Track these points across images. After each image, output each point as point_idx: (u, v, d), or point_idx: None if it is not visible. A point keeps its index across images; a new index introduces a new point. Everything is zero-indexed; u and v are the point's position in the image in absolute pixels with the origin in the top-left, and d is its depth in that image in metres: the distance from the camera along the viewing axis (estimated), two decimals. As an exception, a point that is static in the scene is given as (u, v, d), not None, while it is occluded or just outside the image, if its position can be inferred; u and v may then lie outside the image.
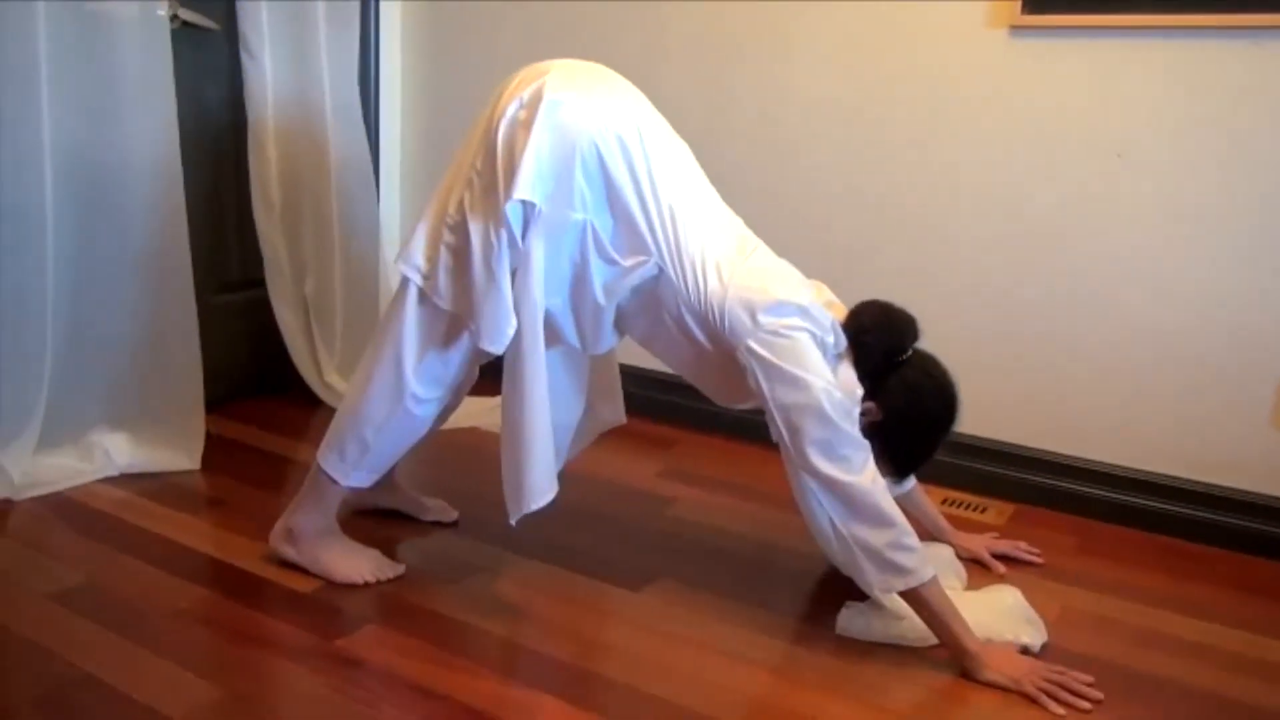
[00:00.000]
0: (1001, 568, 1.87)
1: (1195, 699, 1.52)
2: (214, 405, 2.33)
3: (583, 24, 2.56)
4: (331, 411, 2.48)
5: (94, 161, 2.03)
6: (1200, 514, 2.05)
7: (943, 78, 2.17)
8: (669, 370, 1.71)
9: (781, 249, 1.66)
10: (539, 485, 1.54)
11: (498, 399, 2.47)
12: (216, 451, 2.21)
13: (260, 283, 2.51)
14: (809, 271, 1.66)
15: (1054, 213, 2.11)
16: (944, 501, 2.17)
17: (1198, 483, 2.06)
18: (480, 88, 2.69)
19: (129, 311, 2.11)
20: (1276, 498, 1.99)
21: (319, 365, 2.59)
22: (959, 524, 1.98)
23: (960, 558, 1.86)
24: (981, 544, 1.92)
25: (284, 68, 2.42)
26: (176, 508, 1.96)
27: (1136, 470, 2.11)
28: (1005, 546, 1.93)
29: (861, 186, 2.30)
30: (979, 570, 1.86)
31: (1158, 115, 1.99)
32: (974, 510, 2.17)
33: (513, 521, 1.56)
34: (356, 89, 2.56)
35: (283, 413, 2.54)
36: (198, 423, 2.19)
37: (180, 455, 2.15)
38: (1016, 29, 2.08)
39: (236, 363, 2.57)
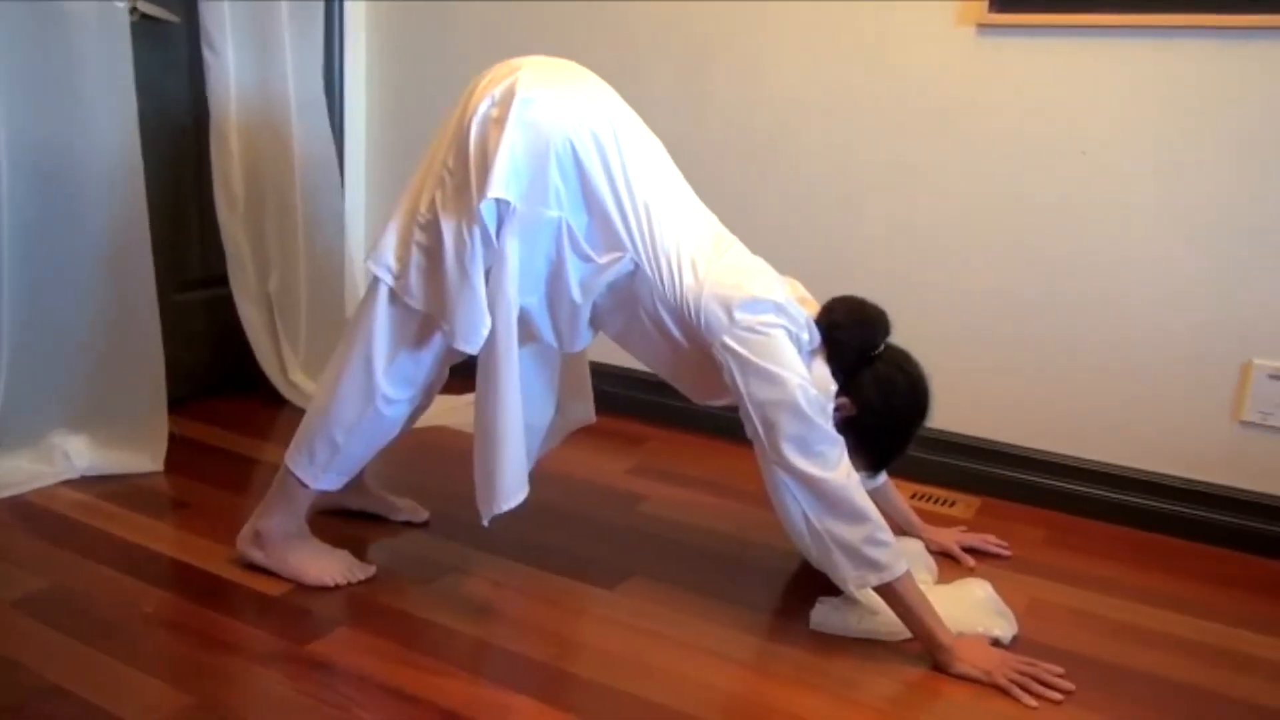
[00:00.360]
0: (971, 561, 1.89)
1: (1167, 690, 1.54)
2: (176, 405, 2.30)
3: (551, 20, 2.55)
4: (297, 411, 2.50)
5: (52, 158, 1.98)
6: (1165, 507, 2.09)
7: (911, 76, 2.19)
8: (638, 367, 1.71)
9: (753, 247, 1.67)
10: (511, 486, 1.53)
11: (467, 397, 2.47)
12: (180, 452, 2.17)
13: (223, 280, 2.47)
14: (780, 269, 1.67)
15: (1021, 211, 2.14)
16: (913, 496, 2.19)
17: (1163, 475, 2.10)
18: (447, 83, 2.68)
19: (89, 310, 2.07)
20: (1240, 490, 2.03)
21: (283, 363, 2.55)
22: (927, 518, 2.00)
23: (930, 551, 1.88)
24: (951, 537, 1.94)
25: (247, 62, 2.38)
26: (140, 511, 1.93)
27: (1103, 464, 2.15)
28: (974, 540, 1.95)
29: (830, 185, 2.31)
30: (949, 563, 1.88)
31: (1126, 113, 2.02)
32: (942, 504, 2.19)
33: (485, 522, 1.55)
34: (321, 83, 2.53)
35: (247, 412, 2.50)
36: (160, 423, 2.15)
37: (142, 457, 2.11)
38: (984, 27, 2.10)
39: (199, 361, 2.53)
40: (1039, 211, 2.12)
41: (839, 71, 2.26)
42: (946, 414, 2.21)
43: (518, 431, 1.53)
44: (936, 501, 2.20)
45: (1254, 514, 2.01)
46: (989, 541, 1.95)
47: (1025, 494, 2.20)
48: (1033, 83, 2.08)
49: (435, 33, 2.73)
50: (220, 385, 2.60)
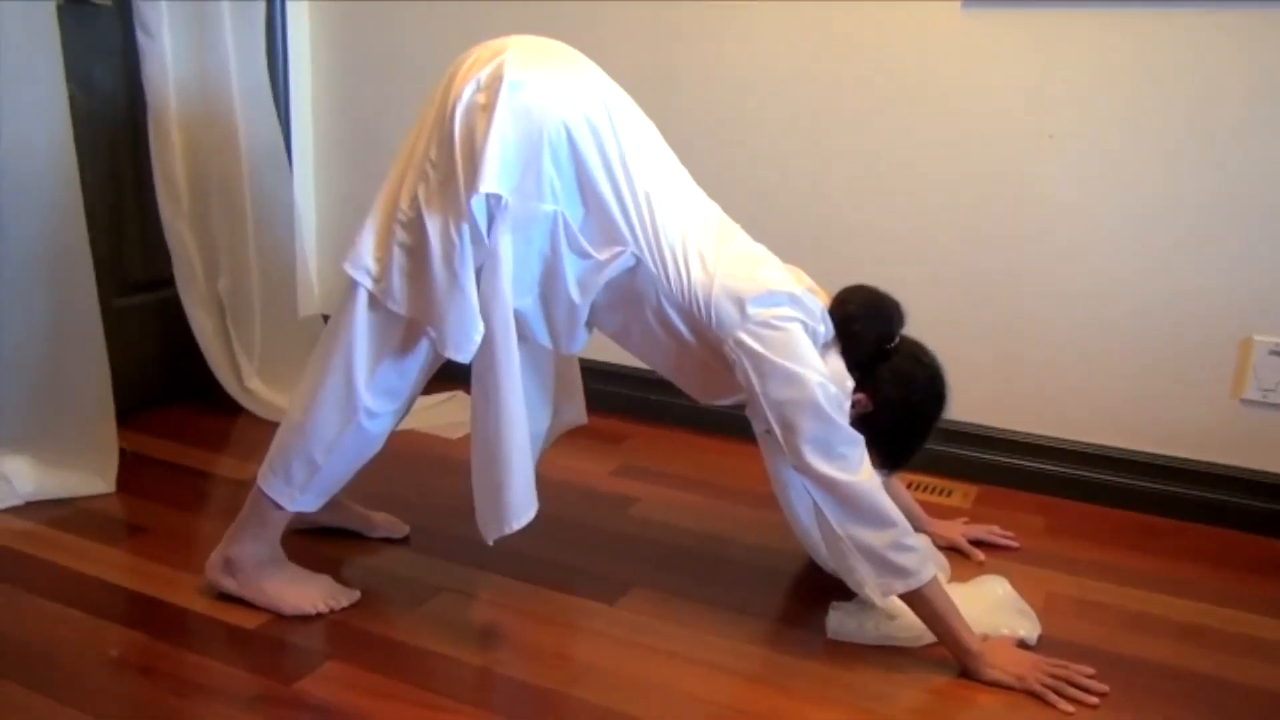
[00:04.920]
0: (980, 555, 1.83)
1: (1186, 681, 1.49)
2: (125, 418, 2.14)
3: (510, 3, 2.41)
4: (254, 419, 2.35)
5: (-25, 155, 1.81)
6: (1166, 488, 2.05)
7: (894, 50, 2.10)
8: (612, 360, 1.60)
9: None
10: (520, 502, 1.42)
11: (439, 397, 2.37)
12: (131, 470, 2.01)
13: (169, 282, 2.30)
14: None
15: (1010, 188, 2.07)
16: (908, 486, 2.12)
17: (1161, 456, 2.06)
18: (401, 64, 2.53)
19: (24, 321, 1.89)
20: (1243, 469, 2.00)
21: (238, 369, 2.39)
22: (926, 509, 1.93)
23: (937, 546, 1.81)
24: (956, 530, 1.87)
25: (185, 46, 2.21)
26: (93, 538, 1.77)
27: (1101, 446, 2.10)
28: (979, 532, 1.89)
29: (812, 163, 2.22)
30: (958, 559, 1.82)
31: (1120, 84, 1.96)
32: (940, 494, 2.13)
33: (490, 542, 1.44)
34: (264, 67, 2.37)
35: (201, 422, 2.34)
36: (109, 439, 1.99)
37: (92, 477, 1.95)
38: (969, 1, 2.02)
39: (147, 370, 2.37)
40: (1025, 189, 2.06)
41: (819, 46, 2.16)
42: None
43: (523, 444, 1.42)
44: (933, 491, 2.14)
45: (1258, 494, 1.98)
46: (994, 533, 1.89)
47: (1023, 480, 2.15)
48: (1019, 56, 2.01)
49: (385, 12, 2.57)
50: (171, 395, 2.43)
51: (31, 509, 1.86)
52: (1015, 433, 2.16)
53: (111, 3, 2.12)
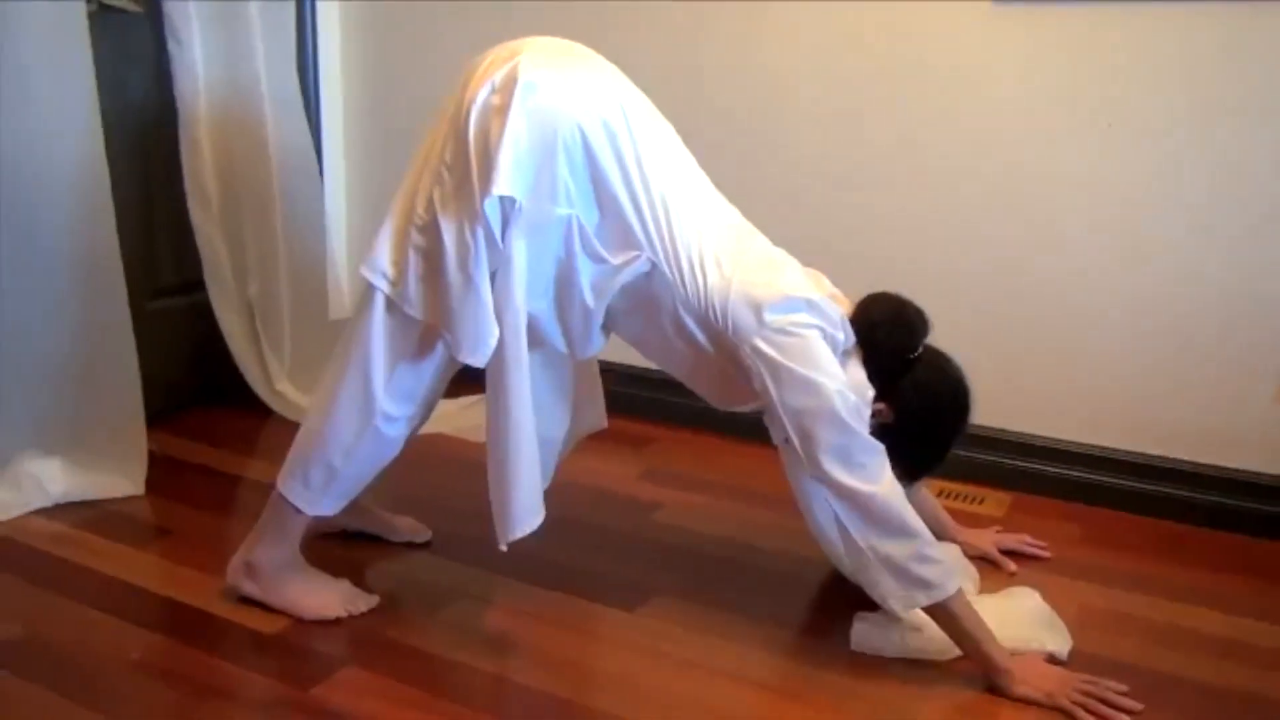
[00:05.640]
0: (1012, 565, 1.78)
1: (1221, 699, 1.44)
2: (155, 420, 2.15)
3: (533, 6, 2.40)
4: (283, 422, 2.36)
5: (8, 161, 1.82)
6: (1205, 496, 1.99)
7: (925, 46, 2.06)
8: (638, 363, 1.58)
9: (761, 230, 1.55)
10: (525, 509, 1.41)
11: (467, 400, 2.37)
12: (161, 473, 2.03)
13: (200, 286, 2.32)
14: (791, 254, 1.55)
15: (1045, 185, 2.02)
16: (939, 494, 2.08)
17: (1201, 464, 2.00)
18: (431, 68, 2.53)
19: (56, 324, 1.92)
20: (1282, 477, 1.94)
21: (268, 372, 2.41)
22: (958, 518, 1.89)
23: (968, 556, 1.77)
24: (987, 540, 1.83)
25: (215, 53, 2.23)
26: (120, 540, 1.79)
27: (1137, 453, 2.04)
28: (1011, 541, 1.84)
29: (840, 161, 2.19)
30: (988, 569, 1.78)
31: (1147, 82, 1.91)
32: (972, 502, 2.08)
33: (502, 547, 1.42)
34: (295, 73, 2.38)
35: (230, 425, 2.36)
36: (138, 442, 2.01)
37: (121, 480, 1.96)
38: (1000, -3, 1.98)
39: (178, 373, 2.38)
40: (1058, 187, 2.01)
41: (847, 43, 2.13)
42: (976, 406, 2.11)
43: (531, 450, 1.40)
44: (965, 499, 2.09)
45: (1301, 503, 1.92)
46: (1026, 542, 1.84)
47: (1058, 488, 2.10)
48: (1051, 51, 1.96)
49: (415, 17, 2.57)
50: (201, 397, 2.45)
51: (61, 510, 1.88)
52: (1050, 439, 2.11)
53: (142, 10, 2.14)
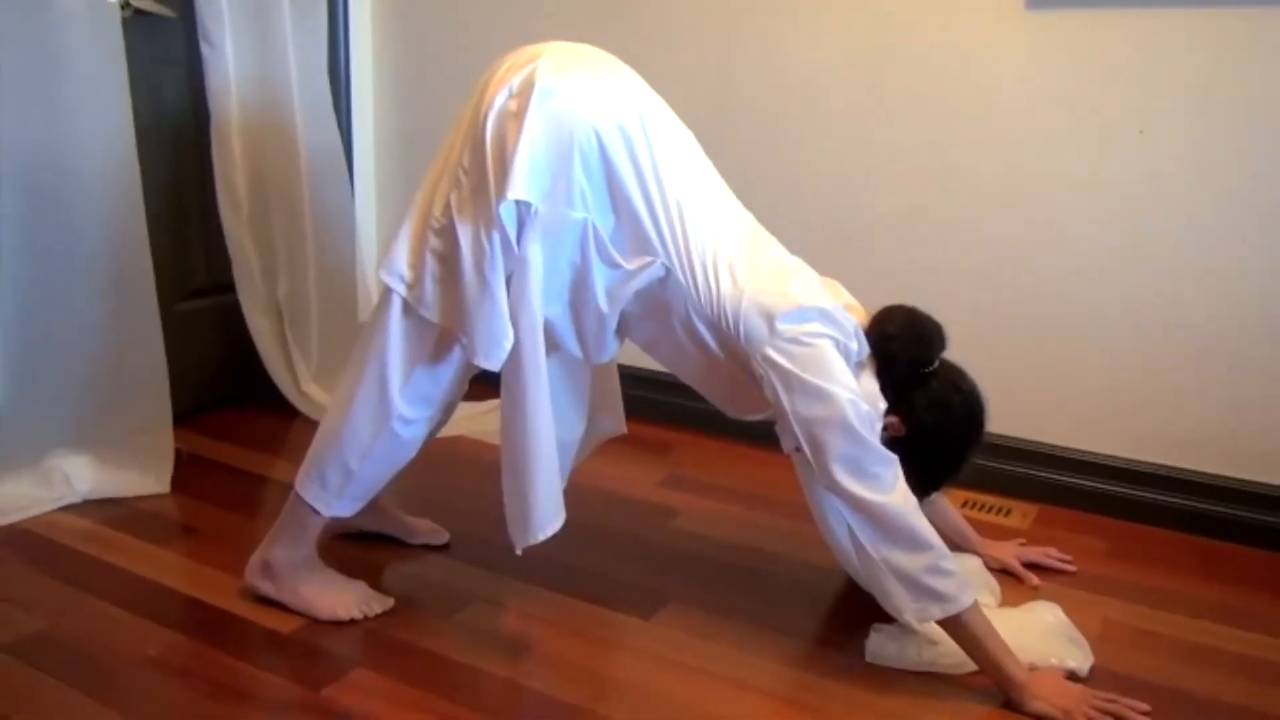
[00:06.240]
0: (1035, 579, 1.75)
1: (1249, 721, 1.41)
2: (183, 419, 2.18)
3: (566, 8, 2.40)
4: (309, 423, 2.38)
5: (43, 163, 1.87)
6: (1235, 512, 1.94)
7: (955, 51, 2.04)
8: (662, 368, 1.57)
9: (789, 235, 1.53)
10: (545, 514, 1.40)
11: (489, 403, 2.37)
12: (187, 471, 2.06)
13: (229, 287, 2.35)
14: (820, 260, 1.53)
15: (1076, 192, 1.99)
16: (963, 505, 2.06)
17: (1232, 479, 1.95)
18: (461, 73, 2.53)
19: (87, 323, 1.95)
20: (1319, 495, 1.89)
21: (295, 374, 2.43)
22: (981, 529, 1.86)
23: (990, 568, 1.75)
24: (1010, 552, 1.80)
25: (247, 57, 2.26)
26: (145, 538, 1.81)
27: (1167, 466, 2.00)
28: (1035, 554, 1.81)
29: (871, 167, 2.17)
30: (1010, 582, 1.75)
31: (1180, 88, 1.87)
32: (997, 513, 2.05)
33: (519, 551, 1.42)
34: (326, 77, 2.40)
35: (257, 425, 2.38)
36: (165, 442, 2.04)
37: (147, 478, 1.99)
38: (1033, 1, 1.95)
39: (206, 373, 2.41)
40: (1089, 195, 1.98)
41: (878, 47, 2.11)
42: (997, 415, 2.07)
43: (550, 454, 1.40)
44: (990, 510, 2.06)
45: (1336, 521, 1.87)
46: (1051, 555, 1.81)
47: (1085, 501, 2.06)
48: (1084, 57, 1.93)
49: (446, 17, 2.59)
50: (229, 397, 2.48)
51: (88, 507, 1.91)
52: (1078, 451, 2.07)
53: (175, 14, 2.17)
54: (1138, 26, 1.88)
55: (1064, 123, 1.97)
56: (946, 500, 1.80)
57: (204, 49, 2.19)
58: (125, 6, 2.02)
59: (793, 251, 1.52)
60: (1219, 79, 1.84)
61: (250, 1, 2.23)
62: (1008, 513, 2.05)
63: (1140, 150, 1.92)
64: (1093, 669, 1.49)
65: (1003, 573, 1.76)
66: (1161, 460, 2.01)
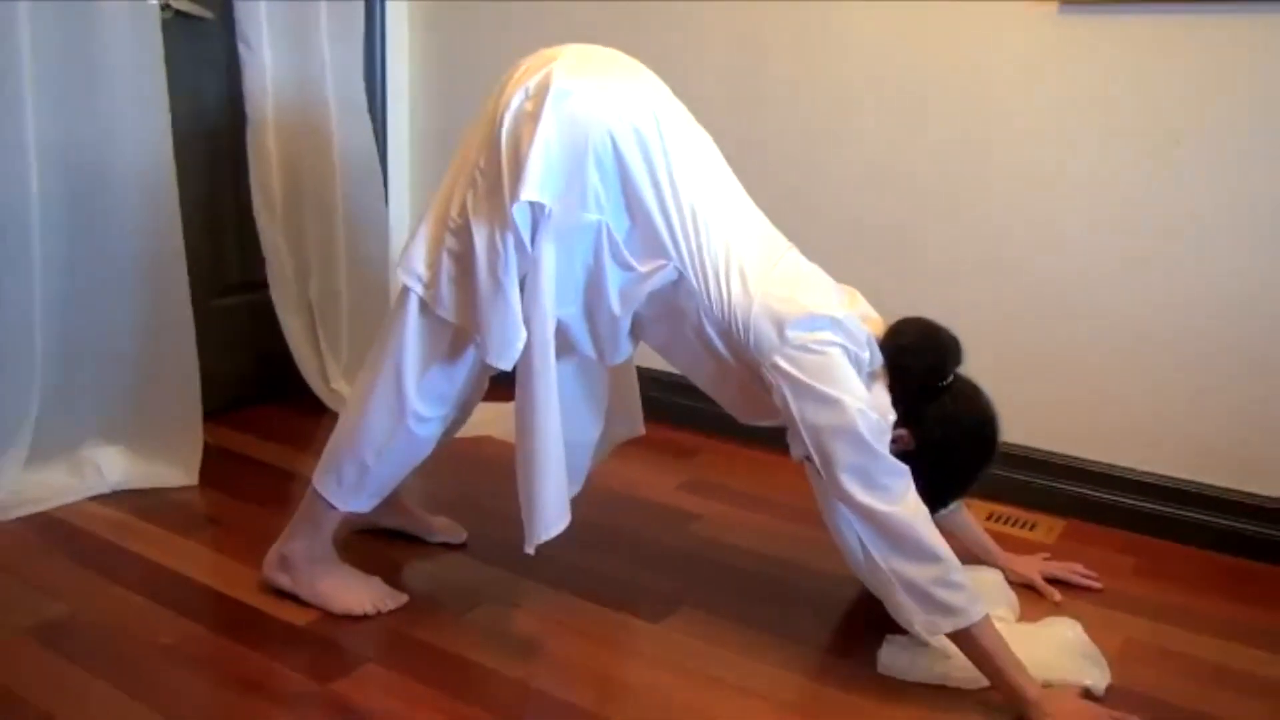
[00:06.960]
0: (1057, 594, 1.72)
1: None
2: (215, 414, 2.22)
3: (601, 10, 2.41)
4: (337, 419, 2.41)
5: (83, 162, 1.91)
6: (1267, 530, 1.89)
7: (987, 56, 2.02)
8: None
9: (816, 237, 1.53)
10: (551, 513, 1.41)
11: (512, 404, 2.38)
12: (215, 464, 2.09)
13: (262, 285, 2.39)
14: (846, 262, 1.52)
15: (1108, 198, 1.95)
16: (988, 518, 2.02)
17: (1266, 498, 1.90)
18: (495, 75, 2.54)
19: (122, 318, 2.00)
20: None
21: (325, 371, 2.47)
22: (1006, 543, 1.83)
23: (1010, 582, 1.72)
24: (1033, 567, 1.76)
25: (284, 60, 2.29)
26: (170, 528, 1.85)
27: (1199, 483, 1.95)
28: (1059, 569, 1.77)
29: (900, 172, 2.14)
30: (1031, 596, 1.71)
31: (1214, 95, 1.83)
32: (1022, 527, 2.02)
33: (529, 550, 1.43)
34: (362, 79, 2.44)
35: (286, 421, 2.42)
36: (195, 435, 2.08)
37: (176, 470, 2.03)
38: (1065, 4, 1.92)
39: (237, 369, 2.45)
40: (1121, 202, 1.94)
41: (910, 51, 2.08)
42: (1026, 428, 2.04)
43: (557, 455, 1.40)
44: (1015, 524, 2.03)
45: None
46: (1076, 571, 1.77)
47: (1114, 516, 2.01)
48: (1116, 62, 1.90)
49: (483, 26, 2.61)
50: (260, 393, 2.52)
51: (118, 497, 1.95)
52: (1108, 465, 2.03)
53: (214, 16, 2.21)
54: (1171, 30, 1.85)
55: (1092, 126, 1.94)
56: (969, 513, 1.77)
57: (241, 51, 2.23)
58: (165, 9, 2.06)
59: (824, 253, 1.51)
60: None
61: (288, 4, 2.27)
62: (1033, 526, 2.02)
63: (1176, 155, 1.88)
64: (1110, 688, 1.46)
65: (1025, 588, 1.73)
66: (1195, 477, 1.96)
